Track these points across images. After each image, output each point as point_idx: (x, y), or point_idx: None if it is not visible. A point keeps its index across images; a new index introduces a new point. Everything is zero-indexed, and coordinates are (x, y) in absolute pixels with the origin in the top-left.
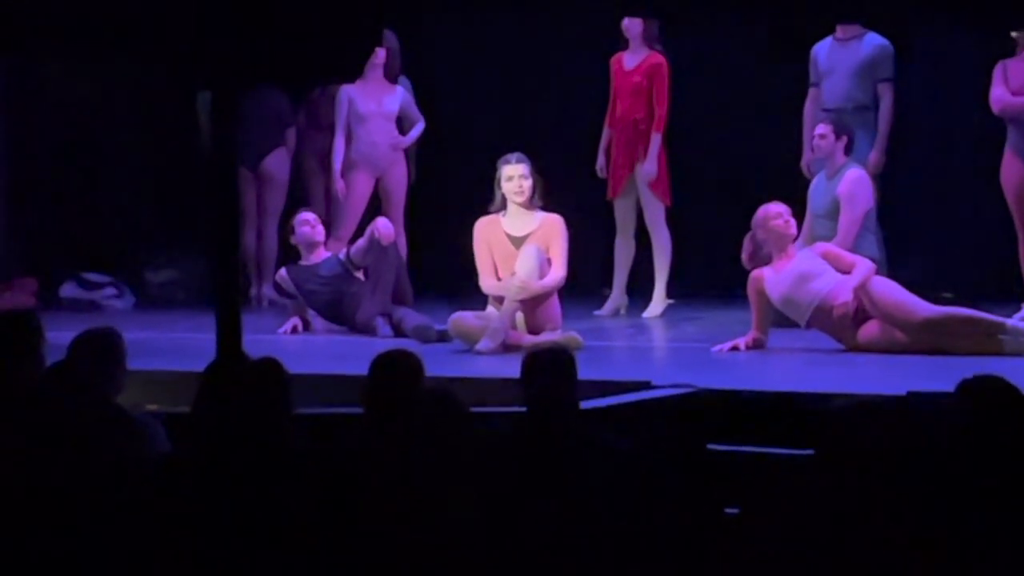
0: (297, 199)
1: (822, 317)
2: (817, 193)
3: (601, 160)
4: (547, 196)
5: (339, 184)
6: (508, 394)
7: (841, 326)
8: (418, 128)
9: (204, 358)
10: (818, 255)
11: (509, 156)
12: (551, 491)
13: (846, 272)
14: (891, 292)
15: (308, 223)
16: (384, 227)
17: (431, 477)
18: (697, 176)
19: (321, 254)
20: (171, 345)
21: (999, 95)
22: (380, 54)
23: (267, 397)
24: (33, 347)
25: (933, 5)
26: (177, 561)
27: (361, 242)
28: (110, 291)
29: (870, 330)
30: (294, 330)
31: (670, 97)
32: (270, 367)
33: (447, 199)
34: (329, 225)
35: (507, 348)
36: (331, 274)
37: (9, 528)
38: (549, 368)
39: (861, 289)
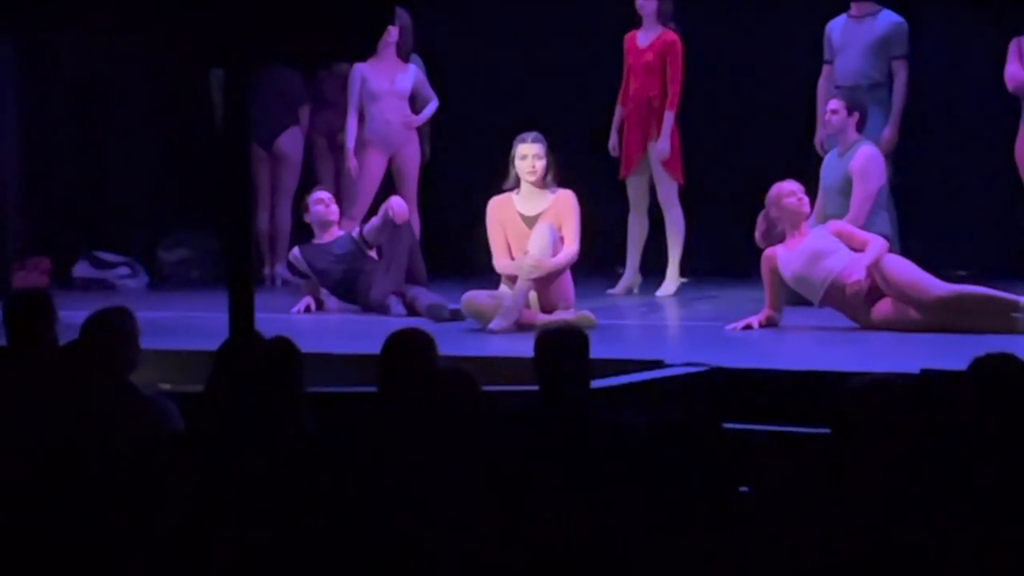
0: (307, 178)
1: (835, 295)
2: (829, 168)
3: (614, 138)
4: (560, 179)
5: (352, 163)
6: (521, 373)
7: (854, 304)
8: (431, 106)
9: (217, 337)
10: (831, 233)
11: (526, 135)
12: (563, 470)
13: (859, 250)
14: (904, 270)
15: (322, 202)
16: (398, 206)
17: (444, 456)
18: (710, 154)
19: (335, 233)
20: (184, 324)
21: (1014, 72)
22: (393, 32)
23: (280, 376)
24: (47, 326)
25: None
26: (190, 540)
27: (375, 221)
28: (123, 270)
29: (883, 308)
30: (307, 309)
31: (684, 75)
32: (283, 346)
33: (460, 178)
34: (339, 203)
35: (520, 327)
36: (344, 252)
37: (22, 507)
38: (562, 347)
39: (874, 267)
